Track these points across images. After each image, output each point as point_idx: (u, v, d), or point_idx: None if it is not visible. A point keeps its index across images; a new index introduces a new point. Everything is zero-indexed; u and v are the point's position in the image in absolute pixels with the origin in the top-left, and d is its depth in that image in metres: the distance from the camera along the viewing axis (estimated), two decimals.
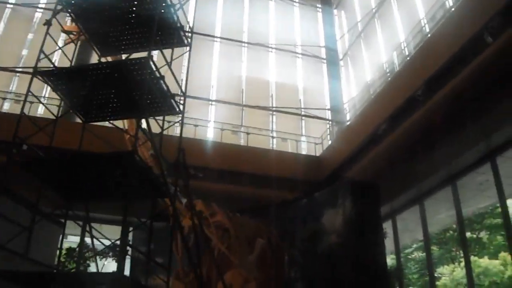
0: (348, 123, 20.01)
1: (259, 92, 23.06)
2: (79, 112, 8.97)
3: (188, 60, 10.74)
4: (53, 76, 8.00)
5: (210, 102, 22.17)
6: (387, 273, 11.35)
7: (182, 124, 9.58)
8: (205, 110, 21.89)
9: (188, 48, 9.74)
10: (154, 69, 7.95)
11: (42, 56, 8.08)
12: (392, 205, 16.09)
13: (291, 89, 23.80)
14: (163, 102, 8.75)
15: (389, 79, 16.83)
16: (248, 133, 20.02)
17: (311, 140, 21.24)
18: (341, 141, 18.08)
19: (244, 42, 24.44)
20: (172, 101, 8.68)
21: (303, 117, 22.94)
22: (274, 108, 22.77)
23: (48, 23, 8.56)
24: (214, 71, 23.21)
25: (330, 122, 22.35)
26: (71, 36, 11.20)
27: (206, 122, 20.95)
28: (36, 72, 7.90)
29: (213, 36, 23.97)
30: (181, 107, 9.13)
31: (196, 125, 19.47)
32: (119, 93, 8.34)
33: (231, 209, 12.46)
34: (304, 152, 20.96)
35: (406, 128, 13.07)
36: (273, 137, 20.93)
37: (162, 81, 8.01)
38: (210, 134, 20.69)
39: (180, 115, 9.36)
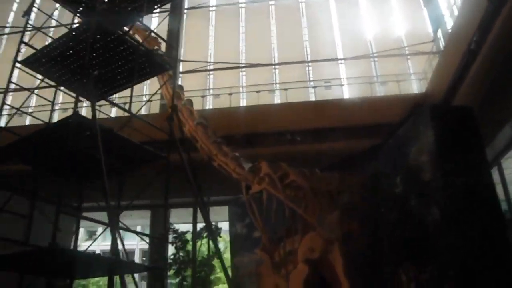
0: (443, 47, 17.06)
1: (355, 41, 20.91)
2: (82, 94, 8.32)
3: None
4: (35, 62, 7.41)
5: (307, 64, 20.68)
6: (502, 215, 8.85)
7: (175, 78, 8.68)
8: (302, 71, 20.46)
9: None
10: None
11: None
12: None
13: (390, 29, 21.16)
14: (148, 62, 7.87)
15: None
16: (342, 85, 18.17)
17: (415, 78, 18.70)
18: (440, 70, 15.44)
19: None
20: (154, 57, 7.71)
21: (408, 57, 20.33)
22: (375, 54, 20.52)
23: (26, 13, 8.07)
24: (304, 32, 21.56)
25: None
26: None
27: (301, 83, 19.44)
28: (16, 61, 7.42)
29: None
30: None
31: (286, 89, 18.14)
32: (107, 64, 7.51)
33: (311, 166, 11.02)
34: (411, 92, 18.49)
35: (502, 35, 10.46)
36: (370, 83, 18.66)
37: (128, 38, 7.09)
38: (308, 94, 19.20)
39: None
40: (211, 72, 20.72)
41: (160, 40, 10.24)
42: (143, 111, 15.01)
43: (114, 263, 6.90)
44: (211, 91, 19.90)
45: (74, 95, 7.78)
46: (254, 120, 15.86)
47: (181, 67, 20.49)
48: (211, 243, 15.20)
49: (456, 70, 13.03)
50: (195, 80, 20.32)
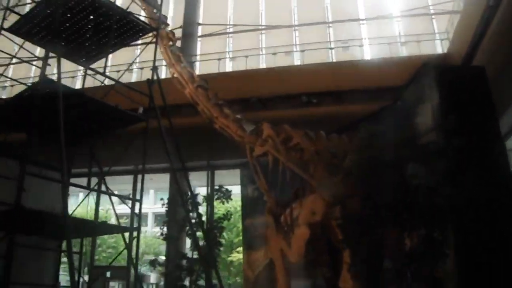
0: (463, 5, 16.07)
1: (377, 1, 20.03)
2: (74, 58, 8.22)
3: None
4: (21, 27, 7.31)
5: (328, 25, 19.98)
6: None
7: (156, 40, 8.35)
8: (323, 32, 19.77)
9: None
10: None
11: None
12: None
13: None
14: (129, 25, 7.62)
15: None
16: (361, 46, 17.47)
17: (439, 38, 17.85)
18: (461, 29, 14.66)
19: None
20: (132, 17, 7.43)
21: (433, 16, 19.37)
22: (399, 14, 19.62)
23: None
24: None
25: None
26: None
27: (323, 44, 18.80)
28: (1, 29, 7.35)
29: None
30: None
31: (303, 50, 17.64)
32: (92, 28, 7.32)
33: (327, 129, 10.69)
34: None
35: None
36: (389, 44, 17.80)
37: None
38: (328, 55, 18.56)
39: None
40: (230, 35, 20.33)
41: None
42: None
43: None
44: (230, 54, 19.56)
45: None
46: (269, 82, 15.54)
47: (200, 31, 20.22)
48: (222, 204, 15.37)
49: (476, 29, 12.37)
50: (215, 43, 20.01)
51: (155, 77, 9.17)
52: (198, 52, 19.53)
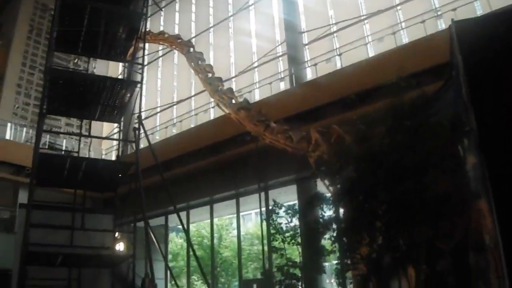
0: None
1: None
2: None
3: None
4: None
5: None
6: None
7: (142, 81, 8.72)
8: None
9: None
10: None
11: None
12: None
13: None
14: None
15: None
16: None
17: None
18: None
19: None
20: None
21: None
22: None
23: None
24: None
25: None
26: None
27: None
28: None
29: None
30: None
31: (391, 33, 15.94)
32: None
33: None
34: None
35: None
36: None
37: None
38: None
39: None
40: (335, 34, 19.64)
41: None
42: None
43: None
44: (338, 51, 18.90)
45: None
46: (363, 76, 14.69)
47: (306, 39, 20.05)
48: None
49: None
50: (322, 45, 19.58)
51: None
52: (308, 58, 19.48)
